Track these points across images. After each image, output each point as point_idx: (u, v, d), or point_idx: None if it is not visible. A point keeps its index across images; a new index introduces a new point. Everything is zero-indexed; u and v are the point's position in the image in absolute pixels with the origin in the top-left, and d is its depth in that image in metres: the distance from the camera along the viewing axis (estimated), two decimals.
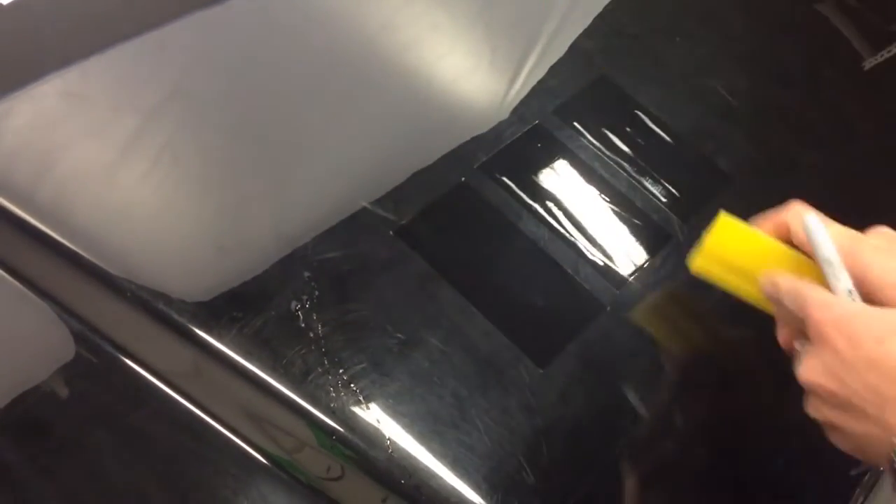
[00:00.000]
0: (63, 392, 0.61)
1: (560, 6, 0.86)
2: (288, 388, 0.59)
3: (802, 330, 0.53)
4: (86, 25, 0.77)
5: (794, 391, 0.53)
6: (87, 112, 0.69)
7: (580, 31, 0.85)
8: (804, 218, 0.56)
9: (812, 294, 0.53)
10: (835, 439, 0.54)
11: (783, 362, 0.56)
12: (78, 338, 0.61)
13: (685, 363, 0.68)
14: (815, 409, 0.54)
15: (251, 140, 0.71)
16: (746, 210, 0.73)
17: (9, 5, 0.77)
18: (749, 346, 0.70)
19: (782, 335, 0.57)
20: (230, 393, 0.60)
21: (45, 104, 0.68)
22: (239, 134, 0.71)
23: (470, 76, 0.79)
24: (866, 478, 0.67)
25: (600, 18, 0.87)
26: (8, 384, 0.61)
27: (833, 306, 0.52)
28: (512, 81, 0.79)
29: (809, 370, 0.52)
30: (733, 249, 0.60)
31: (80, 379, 0.61)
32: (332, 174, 0.71)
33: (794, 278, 0.55)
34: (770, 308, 0.58)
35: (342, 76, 0.77)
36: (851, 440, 0.52)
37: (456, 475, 0.58)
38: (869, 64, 0.97)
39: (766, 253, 0.59)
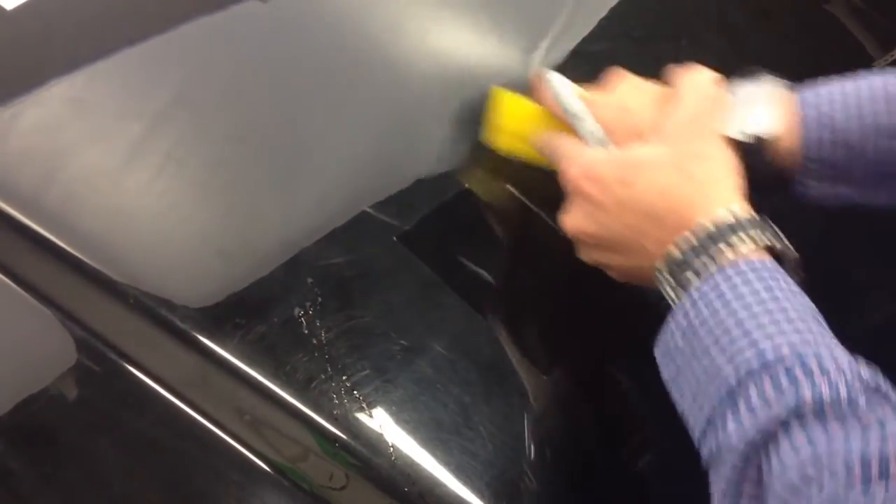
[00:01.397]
0: (65, 399, 0.61)
1: (566, 9, 0.86)
2: (291, 395, 0.58)
3: None
4: (90, 30, 0.77)
5: None
6: (91, 118, 0.69)
7: (586, 33, 0.85)
8: (546, 76, 0.62)
9: (562, 147, 0.59)
10: (612, 275, 0.59)
11: None
12: (80, 344, 0.61)
13: None
14: (586, 254, 0.59)
15: (255, 145, 0.70)
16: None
17: (13, 10, 0.77)
18: None
19: None
20: (233, 400, 0.60)
21: (49, 109, 0.68)
22: (243, 139, 0.70)
23: (476, 79, 0.78)
24: None
25: (606, 21, 0.87)
26: (10, 390, 0.61)
27: (578, 156, 0.57)
28: (515, 81, 0.79)
29: (572, 220, 0.58)
30: (517, 120, 0.66)
31: (82, 385, 0.61)
32: (337, 179, 0.70)
33: (553, 134, 0.61)
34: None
35: (346, 79, 0.77)
36: (625, 274, 0.58)
37: (460, 482, 0.58)
38: (879, 65, 0.96)
39: (544, 118, 0.64)
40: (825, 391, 0.43)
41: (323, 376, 0.59)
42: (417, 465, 0.58)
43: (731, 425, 0.45)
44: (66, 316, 0.62)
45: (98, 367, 0.61)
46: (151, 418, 0.60)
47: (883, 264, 0.79)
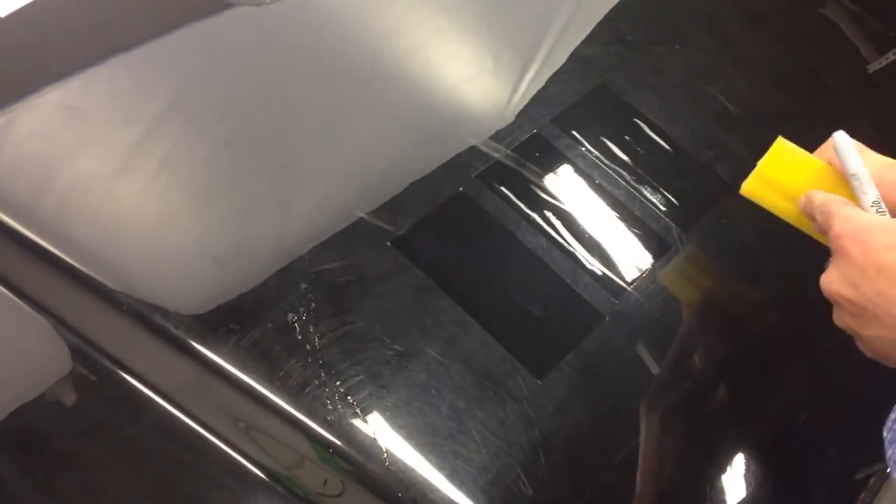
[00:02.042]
0: (60, 406, 0.60)
1: (563, 14, 0.86)
2: (284, 401, 0.58)
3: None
4: (84, 37, 0.77)
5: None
6: (85, 124, 0.69)
7: (582, 38, 0.85)
8: (834, 135, 0.59)
9: (837, 208, 0.56)
10: (859, 346, 0.56)
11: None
12: (74, 351, 0.61)
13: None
14: (838, 318, 0.56)
15: (249, 151, 0.70)
16: (748, 216, 0.73)
17: (6, 17, 0.77)
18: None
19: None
20: (227, 406, 0.60)
21: (43, 116, 0.68)
22: (237, 145, 0.70)
23: (472, 83, 0.78)
24: (871, 481, 0.67)
25: (600, 26, 0.87)
26: (4, 398, 0.61)
27: (852, 219, 0.54)
28: (515, 89, 0.79)
29: (829, 280, 0.55)
30: (784, 172, 0.62)
31: (76, 393, 0.61)
32: (331, 185, 0.70)
33: (826, 194, 0.58)
34: (812, 231, 0.60)
35: (342, 85, 0.77)
36: (871, 345, 0.55)
37: (454, 487, 0.58)
38: (873, 67, 0.97)
39: (814, 176, 0.61)
40: None
41: (317, 382, 0.59)
42: (411, 470, 0.58)
43: None
44: (61, 323, 0.62)
45: (92, 374, 0.61)
46: (145, 425, 0.60)
47: None
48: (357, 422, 0.58)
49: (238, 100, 0.74)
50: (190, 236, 0.66)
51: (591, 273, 0.69)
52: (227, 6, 0.80)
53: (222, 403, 0.60)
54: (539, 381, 0.63)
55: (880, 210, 0.56)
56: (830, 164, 0.61)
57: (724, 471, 0.65)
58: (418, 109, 0.77)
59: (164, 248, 0.65)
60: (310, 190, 0.69)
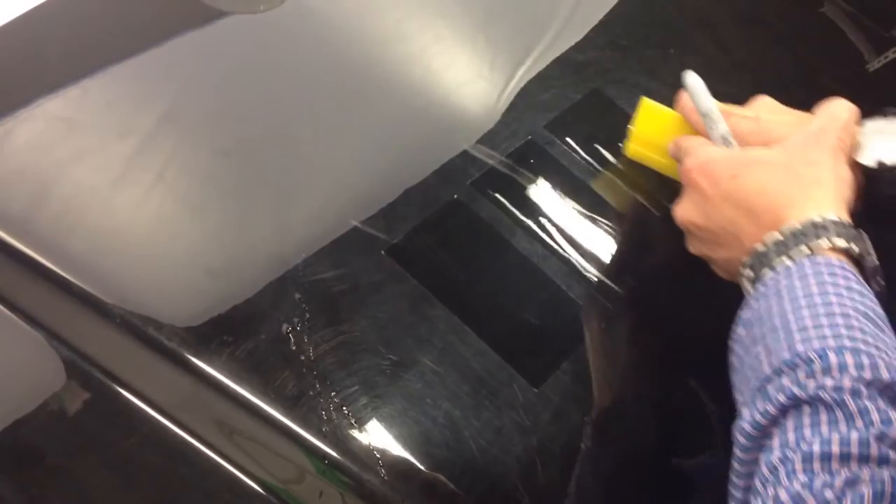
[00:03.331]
0: (53, 420, 0.60)
1: (558, 18, 0.86)
2: (279, 413, 0.58)
3: None
4: (78, 48, 0.77)
5: None
6: (80, 136, 0.69)
7: (575, 42, 0.85)
8: (683, 75, 0.66)
9: (687, 144, 0.63)
10: (713, 268, 0.63)
11: None
12: (68, 365, 0.61)
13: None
14: (692, 245, 0.63)
15: (243, 161, 0.70)
16: None
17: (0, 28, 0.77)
18: None
19: None
20: (222, 418, 0.60)
21: (37, 129, 0.68)
22: (231, 155, 0.70)
23: (466, 88, 0.78)
24: None
25: (593, 31, 0.87)
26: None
27: (699, 152, 0.61)
28: (504, 92, 0.79)
29: (682, 210, 0.62)
30: (656, 129, 0.70)
31: (70, 407, 0.61)
32: (325, 193, 0.70)
33: (689, 137, 0.65)
34: None
35: (337, 92, 0.77)
36: (723, 267, 0.61)
37: (450, 498, 0.57)
38: (873, 66, 0.96)
39: (682, 127, 0.68)
40: (828, 384, 0.45)
41: (311, 393, 0.59)
42: (408, 480, 0.57)
43: (746, 413, 0.48)
44: (54, 337, 0.62)
45: (86, 388, 0.61)
46: (140, 438, 0.60)
47: None
48: (352, 432, 0.58)
49: (233, 109, 0.74)
50: (184, 247, 0.66)
51: (587, 280, 0.69)
52: (221, 14, 0.80)
53: (217, 416, 0.60)
54: (535, 389, 0.62)
55: (728, 143, 0.62)
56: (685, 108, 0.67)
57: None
58: (413, 116, 0.77)
59: (158, 259, 0.65)
60: (303, 199, 0.69)
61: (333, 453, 0.57)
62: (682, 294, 0.71)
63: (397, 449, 0.58)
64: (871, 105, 0.92)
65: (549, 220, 0.71)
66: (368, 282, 0.65)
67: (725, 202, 0.58)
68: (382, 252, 0.66)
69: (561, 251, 0.69)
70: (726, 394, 0.54)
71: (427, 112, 0.77)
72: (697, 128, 0.66)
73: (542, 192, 0.72)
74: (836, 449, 0.43)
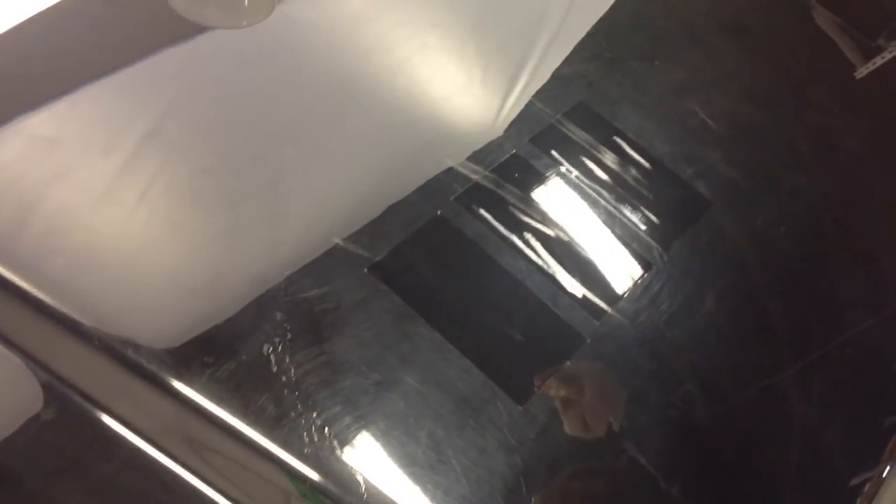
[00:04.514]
0: (31, 444, 0.59)
1: (548, 29, 0.85)
2: (260, 435, 0.57)
3: None
4: (55, 66, 0.76)
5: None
6: (60, 156, 0.68)
7: (566, 54, 0.85)
8: None
9: None
10: None
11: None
12: (46, 388, 0.60)
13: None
14: None
15: (226, 179, 0.70)
16: (728, 235, 0.72)
17: None
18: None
19: None
20: (202, 442, 0.59)
21: (15, 147, 0.67)
22: (214, 173, 0.70)
23: (454, 103, 0.78)
24: (867, 487, 0.66)
25: (579, 43, 0.87)
26: None
27: None
28: (499, 107, 0.78)
29: None
30: None
31: (48, 430, 0.60)
32: (309, 210, 0.70)
33: None
34: None
35: (321, 107, 0.76)
36: None
37: None
38: (861, 73, 0.96)
39: None
40: None
41: (293, 414, 0.58)
42: (390, 502, 0.57)
43: None
44: (32, 360, 0.61)
45: (65, 411, 0.60)
46: (119, 462, 0.59)
47: (864, 284, 0.78)
48: (335, 454, 0.57)
49: (216, 126, 0.73)
50: (165, 267, 0.65)
51: (572, 295, 0.68)
52: (204, 30, 0.80)
53: (197, 439, 0.59)
54: (520, 407, 0.62)
55: None
56: None
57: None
58: (399, 130, 0.76)
59: (139, 279, 0.64)
60: (287, 216, 0.69)
61: (315, 476, 0.56)
62: None
63: (380, 470, 0.57)
64: (861, 110, 0.92)
65: (534, 236, 0.70)
66: (351, 300, 0.64)
67: None
68: (365, 270, 0.66)
69: (546, 267, 0.69)
70: None
71: (413, 126, 0.76)
72: None
73: (526, 207, 0.72)
74: None
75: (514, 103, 0.80)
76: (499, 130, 0.77)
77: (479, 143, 0.76)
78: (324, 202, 0.70)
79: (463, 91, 0.79)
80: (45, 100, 0.71)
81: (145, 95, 0.73)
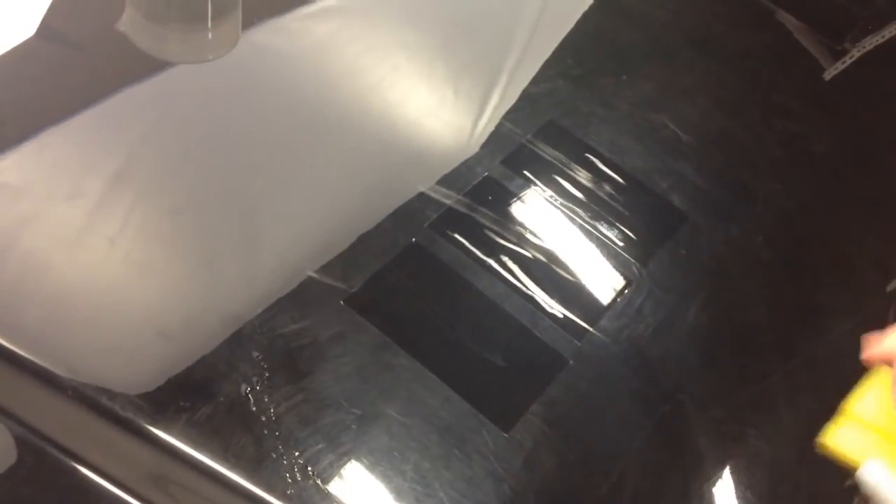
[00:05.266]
0: (7, 499, 0.58)
1: (516, 48, 0.85)
2: (241, 477, 0.56)
3: None
4: (17, 110, 0.75)
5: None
6: (19, 203, 0.67)
7: (534, 73, 0.85)
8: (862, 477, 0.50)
9: None
10: None
11: None
12: (20, 441, 0.59)
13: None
14: None
15: (195, 217, 0.69)
16: (706, 246, 0.72)
17: None
18: None
19: None
20: (184, 487, 0.58)
21: None
22: (182, 211, 0.69)
23: (428, 123, 0.77)
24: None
25: (545, 62, 0.86)
26: None
27: None
28: (471, 129, 0.78)
29: None
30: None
31: (23, 484, 0.58)
32: (280, 245, 0.69)
33: None
34: None
35: (290, 139, 0.76)
36: None
37: None
38: (830, 74, 0.97)
39: None
40: None
41: (274, 455, 0.57)
42: None
43: None
44: (4, 413, 0.60)
45: (40, 463, 0.58)
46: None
47: (841, 289, 0.78)
48: (319, 493, 0.56)
49: (184, 163, 0.72)
50: (136, 311, 0.64)
51: (552, 316, 0.67)
52: (167, 66, 0.79)
53: (178, 484, 0.58)
54: (505, 435, 0.61)
55: None
56: None
57: None
58: (370, 158, 0.76)
59: (111, 325, 0.63)
60: (258, 252, 0.68)
61: None
62: None
63: None
64: (831, 113, 0.92)
65: (511, 258, 0.70)
66: (328, 334, 0.63)
67: None
68: (342, 302, 0.65)
69: (524, 289, 0.68)
70: None
71: (385, 152, 0.76)
72: None
73: (501, 229, 0.71)
74: None
75: (486, 124, 0.79)
76: (471, 151, 0.76)
77: (452, 166, 0.75)
78: (296, 235, 0.70)
79: (434, 114, 0.79)
80: (8, 145, 0.70)
81: (111, 136, 0.72)
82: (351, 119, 0.77)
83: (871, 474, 0.50)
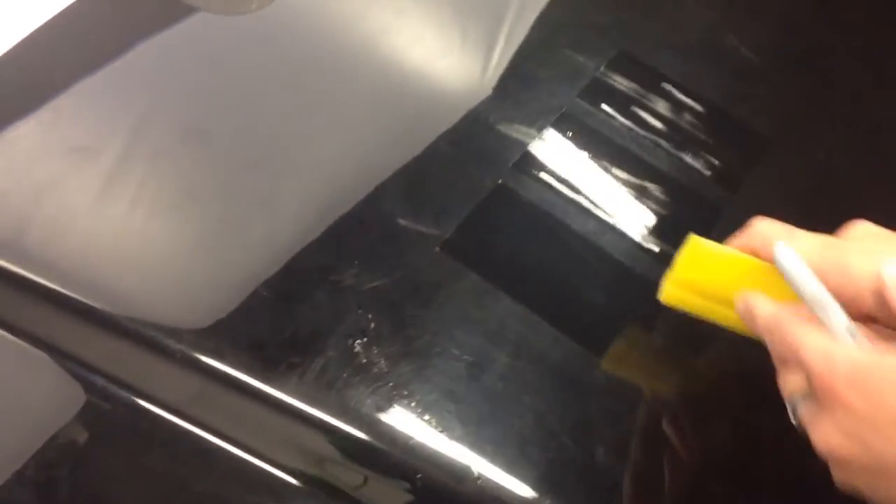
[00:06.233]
0: (79, 440, 0.57)
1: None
2: (362, 432, 0.55)
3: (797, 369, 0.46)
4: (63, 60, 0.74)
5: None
6: (55, 158, 0.66)
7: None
8: (775, 252, 0.48)
9: (806, 339, 0.45)
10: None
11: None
12: (86, 385, 0.58)
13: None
14: (843, 480, 0.45)
15: (273, 174, 0.67)
16: (795, 169, 0.70)
17: None
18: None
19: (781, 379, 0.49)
20: (299, 446, 0.57)
21: (13, 152, 0.66)
22: (259, 167, 0.67)
23: (442, 60, 0.75)
24: None
25: None
26: (22, 440, 0.57)
27: (837, 359, 0.43)
28: (487, 59, 0.76)
29: (825, 435, 0.44)
30: (708, 272, 0.53)
31: (94, 425, 0.57)
32: (356, 192, 0.67)
33: (776, 307, 0.48)
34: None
35: (317, 85, 0.74)
36: None
37: (547, 489, 0.55)
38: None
39: (742, 273, 0.52)
40: None
41: (390, 407, 0.56)
42: (503, 487, 0.55)
43: None
44: (68, 357, 0.59)
45: (108, 405, 0.58)
46: (166, 452, 0.57)
47: None
48: (439, 443, 0.55)
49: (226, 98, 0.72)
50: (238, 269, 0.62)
51: (649, 251, 0.66)
52: (193, 11, 0.77)
53: (293, 444, 0.57)
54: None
55: (854, 335, 0.44)
56: (755, 254, 0.52)
57: None
58: (395, 95, 0.74)
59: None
60: (277, 203, 0.66)
61: (422, 467, 0.54)
62: None
63: (488, 454, 0.55)
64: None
65: (600, 193, 0.68)
66: (427, 282, 0.62)
67: None
68: (437, 249, 0.63)
69: (617, 225, 0.67)
70: None
71: (411, 86, 0.74)
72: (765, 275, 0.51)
73: (587, 164, 0.70)
74: None
75: (503, 53, 0.77)
76: (539, 89, 0.74)
77: (524, 104, 0.73)
78: (367, 183, 0.68)
79: (450, 52, 0.77)
80: (32, 107, 0.69)
81: (133, 95, 0.71)
82: (378, 60, 0.75)
83: (786, 258, 0.47)
